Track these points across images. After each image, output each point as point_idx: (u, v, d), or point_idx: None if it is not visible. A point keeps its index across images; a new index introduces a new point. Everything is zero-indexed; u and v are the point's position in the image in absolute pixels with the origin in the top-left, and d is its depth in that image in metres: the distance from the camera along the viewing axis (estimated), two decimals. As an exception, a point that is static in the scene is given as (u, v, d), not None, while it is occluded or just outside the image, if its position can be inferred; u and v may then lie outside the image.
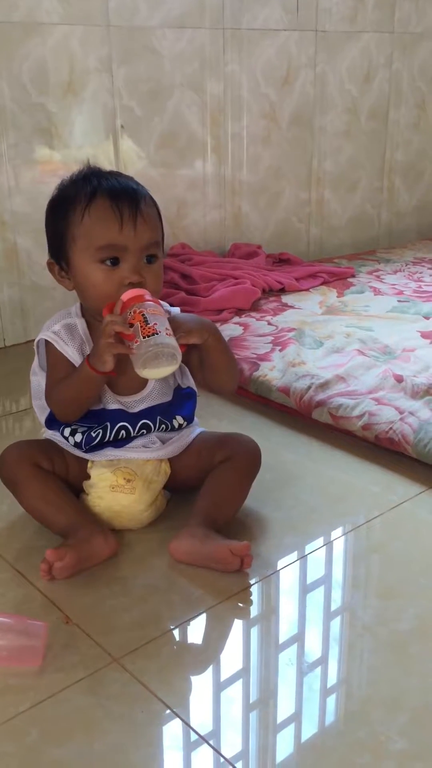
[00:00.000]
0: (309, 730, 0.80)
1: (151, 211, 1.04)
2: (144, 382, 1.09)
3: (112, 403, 1.09)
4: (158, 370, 0.97)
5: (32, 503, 1.08)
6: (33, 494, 1.08)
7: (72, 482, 1.12)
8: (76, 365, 1.07)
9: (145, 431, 1.10)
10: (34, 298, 1.88)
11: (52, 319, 1.11)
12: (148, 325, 0.95)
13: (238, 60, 2.10)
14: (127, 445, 1.10)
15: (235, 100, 2.13)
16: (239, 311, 1.83)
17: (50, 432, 1.15)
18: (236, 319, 1.78)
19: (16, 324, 1.87)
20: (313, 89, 2.30)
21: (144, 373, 0.97)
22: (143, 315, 0.96)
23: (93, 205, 1.01)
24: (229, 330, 1.71)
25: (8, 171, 1.76)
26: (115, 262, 1.02)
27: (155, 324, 0.96)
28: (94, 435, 1.08)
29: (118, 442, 1.10)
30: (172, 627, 0.92)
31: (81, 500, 1.11)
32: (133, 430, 1.09)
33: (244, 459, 1.12)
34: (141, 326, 0.96)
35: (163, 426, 1.12)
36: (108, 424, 1.08)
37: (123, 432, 1.09)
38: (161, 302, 1.12)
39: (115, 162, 1.94)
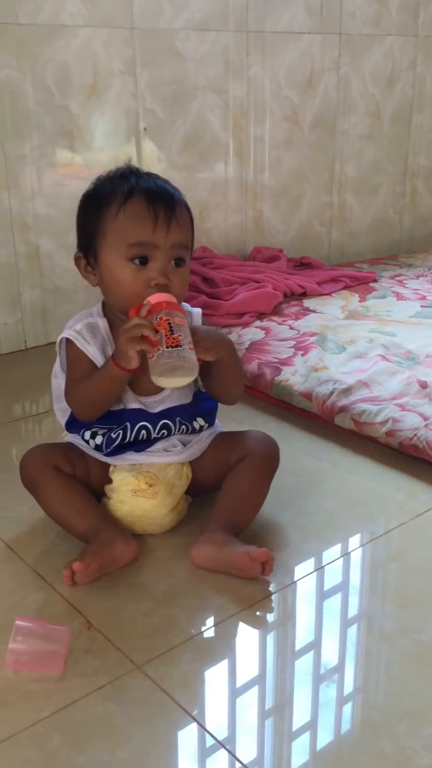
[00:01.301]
0: (329, 740, 0.78)
1: (184, 216, 1.05)
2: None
3: (133, 402, 1.08)
4: (174, 380, 0.97)
5: (53, 507, 1.08)
6: (54, 498, 1.07)
7: (93, 486, 1.11)
8: (98, 364, 1.06)
9: (165, 432, 1.10)
10: (55, 300, 1.88)
11: (74, 319, 1.11)
12: (173, 336, 0.95)
13: (261, 63, 2.09)
14: (148, 449, 1.10)
15: (257, 103, 2.12)
16: (261, 315, 1.82)
17: (71, 435, 1.15)
18: (258, 322, 1.77)
19: (37, 326, 1.87)
20: (336, 92, 2.29)
21: (159, 381, 0.97)
22: (170, 324, 0.96)
23: (129, 202, 1.02)
24: (251, 334, 1.70)
25: (32, 173, 1.77)
26: (143, 261, 1.02)
27: (180, 336, 0.96)
28: (114, 436, 1.08)
29: (140, 445, 1.09)
30: (194, 634, 0.92)
31: (102, 504, 1.10)
32: (154, 431, 1.09)
33: (261, 456, 1.11)
34: (166, 335, 0.96)
35: (184, 427, 1.11)
36: (128, 424, 1.08)
37: (144, 432, 1.09)
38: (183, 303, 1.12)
39: (138, 164, 1.94)
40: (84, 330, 1.08)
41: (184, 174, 2.03)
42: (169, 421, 1.09)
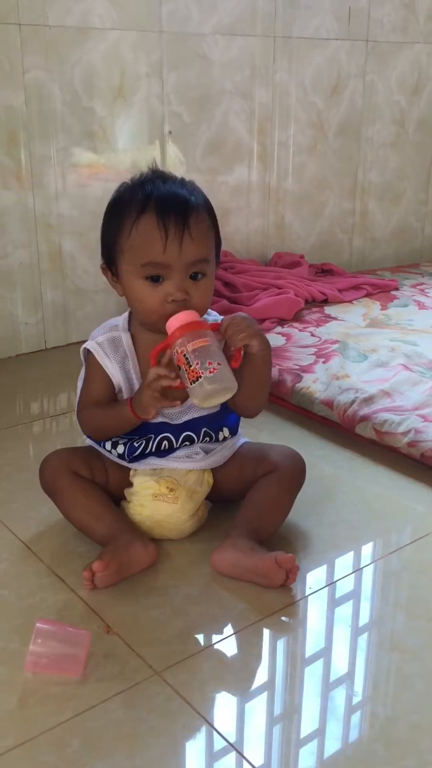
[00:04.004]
0: (356, 756, 0.77)
1: (201, 226, 1.00)
2: (187, 394, 1.08)
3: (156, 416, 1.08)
4: (212, 401, 0.97)
5: (72, 512, 1.08)
6: (72, 503, 1.08)
7: (112, 490, 1.11)
8: (114, 380, 1.07)
9: (188, 443, 1.09)
10: (76, 302, 1.88)
11: (99, 329, 1.11)
12: (191, 368, 0.94)
13: (287, 68, 2.09)
14: (170, 456, 1.09)
15: (283, 108, 2.12)
16: (282, 321, 1.81)
17: (92, 441, 1.14)
18: (279, 329, 1.77)
19: (58, 326, 1.87)
20: (362, 99, 2.28)
21: (201, 405, 0.98)
22: (185, 357, 0.95)
23: (140, 220, 0.99)
24: (272, 340, 1.69)
25: (56, 174, 1.77)
26: (158, 279, 1.00)
27: (197, 364, 0.94)
28: (137, 445, 1.08)
29: (161, 453, 1.09)
30: (214, 641, 0.91)
31: (122, 508, 1.10)
32: (176, 442, 1.08)
33: (289, 471, 1.11)
34: (186, 371, 0.95)
35: (207, 438, 1.11)
36: (152, 435, 1.08)
37: (165, 443, 1.08)
38: (210, 312, 1.11)
39: (161, 167, 1.93)
40: (105, 343, 1.08)
41: (207, 178, 2.03)
42: (192, 433, 1.09)
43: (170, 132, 1.93)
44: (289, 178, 2.21)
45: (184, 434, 1.09)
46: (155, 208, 0.98)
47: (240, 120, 2.05)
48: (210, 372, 0.94)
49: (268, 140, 2.12)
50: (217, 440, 1.12)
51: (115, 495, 1.11)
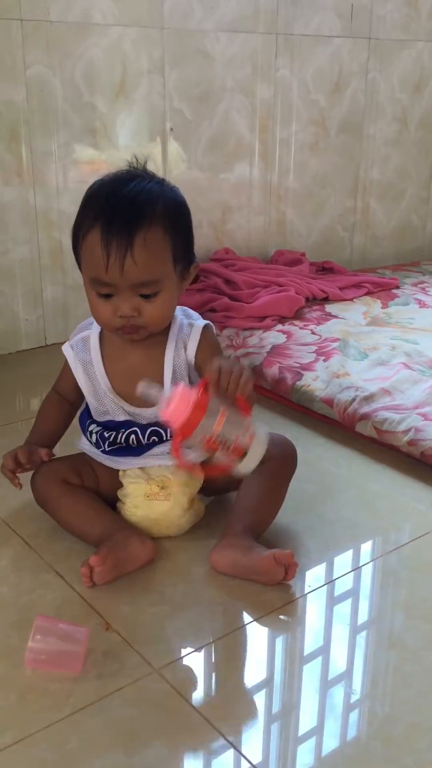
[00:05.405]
0: (354, 754, 0.77)
1: (149, 246, 0.96)
2: None
3: (120, 415, 1.09)
4: (250, 465, 0.94)
5: (66, 519, 1.08)
6: (65, 511, 1.08)
7: (104, 494, 1.11)
8: (78, 379, 1.10)
9: (156, 438, 1.09)
10: (76, 298, 1.88)
11: (80, 326, 1.14)
12: (231, 446, 0.93)
13: (289, 65, 2.09)
14: (147, 453, 1.09)
15: (284, 105, 2.12)
16: (282, 319, 1.81)
17: (82, 440, 1.15)
18: (279, 326, 1.76)
19: (58, 323, 1.87)
20: (364, 97, 2.28)
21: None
22: (216, 440, 0.92)
23: (89, 235, 0.97)
24: (273, 338, 1.70)
25: (57, 170, 1.77)
26: (106, 295, 1.00)
27: (236, 438, 0.92)
28: (107, 435, 1.09)
29: (136, 450, 1.09)
30: (213, 639, 0.91)
31: (117, 510, 1.10)
32: (144, 437, 1.08)
33: (279, 460, 1.10)
34: (224, 453, 0.93)
35: None
36: (123, 429, 1.09)
37: (133, 437, 1.08)
38: (190, 314, 1.10)
39: (162, 164, 1.94)
40: (76, 344, 1.11)
41: (209, 175, 2.03)
42: (159, 429, 1.08)
43: (172, 129, 1.93)
44: (291, 176, 2.20)
45: (151, 429, 1.08)
46: (102, 224, 0.96)
47: (242, 117, 2.04)
48: (250, 438, 0.92)
49: (269, 137, 2.12)
50: None
51: (107, 498, 1.11)
